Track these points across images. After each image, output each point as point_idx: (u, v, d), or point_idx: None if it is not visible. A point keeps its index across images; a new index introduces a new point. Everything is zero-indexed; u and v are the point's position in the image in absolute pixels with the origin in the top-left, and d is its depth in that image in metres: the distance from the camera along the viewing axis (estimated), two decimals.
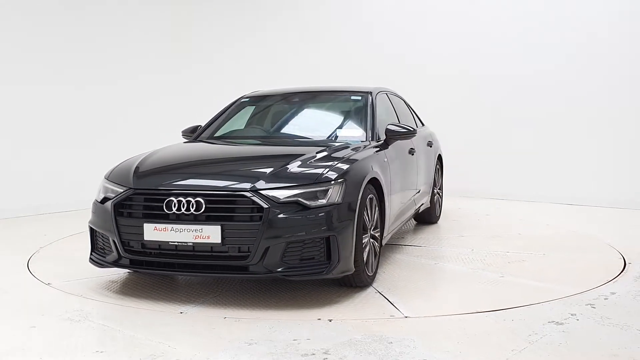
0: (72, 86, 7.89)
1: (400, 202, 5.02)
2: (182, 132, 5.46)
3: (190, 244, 3.68)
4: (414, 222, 6.66)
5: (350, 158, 4.13)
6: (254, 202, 3.63)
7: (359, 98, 5.22)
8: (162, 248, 3.77)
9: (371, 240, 4.16)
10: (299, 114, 5.45)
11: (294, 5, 9.94)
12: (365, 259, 3.99)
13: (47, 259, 5.07)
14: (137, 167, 4.19)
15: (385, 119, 5.27)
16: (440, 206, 6.88)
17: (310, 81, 8.21)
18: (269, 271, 3.62)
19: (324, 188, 3.74)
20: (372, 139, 4.76)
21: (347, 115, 5.29)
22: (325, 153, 4.21)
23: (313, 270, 3.66)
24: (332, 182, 3.77)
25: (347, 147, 4.42)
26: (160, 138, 6.20)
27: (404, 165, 5.20)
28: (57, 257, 5.10)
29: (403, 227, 6.32)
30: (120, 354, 3.03)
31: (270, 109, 5.63)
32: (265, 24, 9.75)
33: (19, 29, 7.40)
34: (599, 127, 7.88)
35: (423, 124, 6.76)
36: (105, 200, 4.04)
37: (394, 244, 5.56)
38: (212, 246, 3.65)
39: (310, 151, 4.24)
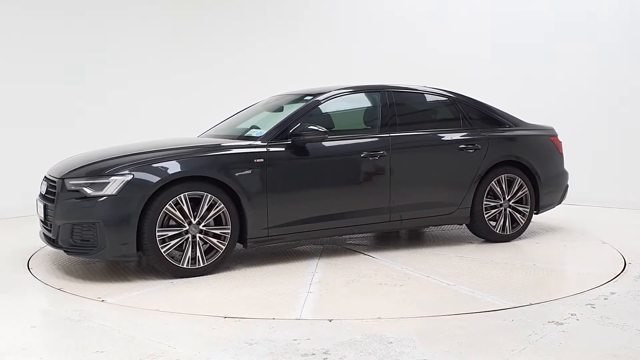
0: (74, 88, 7.90)
1: (315, 206, 4.83)
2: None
3: (40, 218, 4.67)
4: (480, 239, 5.66)
5: (176, 157, 4.46)
6: (57, 188, 4.42)
7: (310, 99, 5.20)
8: (42, 220, 4.71)
9: (200, 235, 4.41)
10: (268, 115, 5.54)
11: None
12: (167, 250, 4.31)
13: (47, 259, 5.07)
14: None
15: (344, 120, 5.39)
16: (520, 223, 5.61)
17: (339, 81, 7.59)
18: (61, 247, 4.40)
19: (103, 181, 4.28)
20: (270, 139, 4.75)
21: (285, 115, 5.16)
22: (179, 149, 4.64)
23: (85, 251, 4.32)
24: (113, 176, 4.28)
25: (220, 145, 4.75)
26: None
27: (337, 169, 4.95)
28: (57, 257, 5.10)
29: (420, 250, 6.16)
30: (120, 354, 3.03)
31: (261, 110, 5.71)
32: (292, 24, 9.44)
33: (25, 34, 7.43)
34: (598, 127, 7.88)
35: (502, 124, 5.77)
36: None
37: (353, 250, 5.56)
38: (45, 221, 4.57)
39: (189, 143, 4.83)
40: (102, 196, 4.23)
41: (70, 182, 4.36)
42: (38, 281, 4.44)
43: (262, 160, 4.63)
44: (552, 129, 6.12)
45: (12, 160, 7.35)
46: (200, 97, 8.93)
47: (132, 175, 4.27)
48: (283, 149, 4.75)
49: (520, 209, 5.65)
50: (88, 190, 4.27)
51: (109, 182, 4.25)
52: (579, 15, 7.99)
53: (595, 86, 7.89)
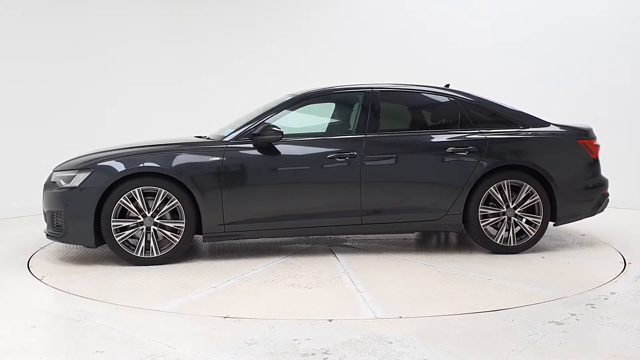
0: (74, 90, 7.91)
1: (275, 206, 4.87)
2: None
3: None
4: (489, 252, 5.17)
5: (134, 155, 4.82)
6: (48, 180, 4.98)
7: (289, 98, 5.25)
8: None
9: (155, 227, 4.75)
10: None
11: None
12: (121, 239, 4.71)
13: (48, 259, 5.07)
14: None
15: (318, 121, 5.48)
16: (529, 234, 5.07)
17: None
18: (45, 231, 4.98)
19: (72, 175, 4.77)
20: (234, 139, 4.95)
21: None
22: (156, 146, 4.97)
23: (56, 235, 4.85)
24: (80, 170, 4.76)
25: (184, 143, 5.01)
26: None
27: (302, 170, 4.96)
28: (58, 257, 5.11)
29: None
30: (120, 354, 3.03)
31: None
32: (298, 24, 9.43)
33: (24, 37, 7.44)
34: (599, 126, 7.86)
35: (512, 124, 5.23)
36: None
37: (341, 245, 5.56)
38: None
39: (169, 141, 5.16)
40: (69, 188, 4.74)
41: (55, 175, 4.92)
42: (38, 281, 4.44)
43: (218, 159, 4.82)
44: (585, 131, 5.38)
45: (13, 161, 7.37)
46: (212, 99, 8.89)
47: (92, 170, 4.72)
48: (244, 149, 4.90)
49: (531, 219, 5.10)
50: (62, 182, 4.79)
51: (75, 176, 4.74)
52: (588, 11, 7.97)
53: (595, 86, 7.89)
